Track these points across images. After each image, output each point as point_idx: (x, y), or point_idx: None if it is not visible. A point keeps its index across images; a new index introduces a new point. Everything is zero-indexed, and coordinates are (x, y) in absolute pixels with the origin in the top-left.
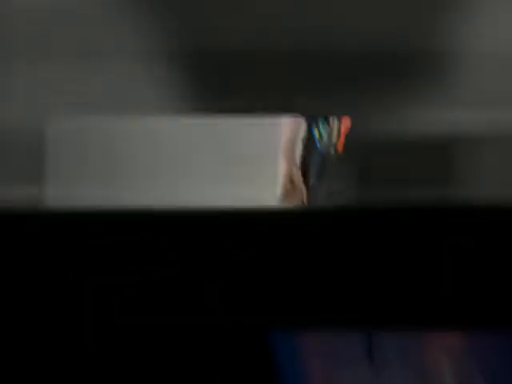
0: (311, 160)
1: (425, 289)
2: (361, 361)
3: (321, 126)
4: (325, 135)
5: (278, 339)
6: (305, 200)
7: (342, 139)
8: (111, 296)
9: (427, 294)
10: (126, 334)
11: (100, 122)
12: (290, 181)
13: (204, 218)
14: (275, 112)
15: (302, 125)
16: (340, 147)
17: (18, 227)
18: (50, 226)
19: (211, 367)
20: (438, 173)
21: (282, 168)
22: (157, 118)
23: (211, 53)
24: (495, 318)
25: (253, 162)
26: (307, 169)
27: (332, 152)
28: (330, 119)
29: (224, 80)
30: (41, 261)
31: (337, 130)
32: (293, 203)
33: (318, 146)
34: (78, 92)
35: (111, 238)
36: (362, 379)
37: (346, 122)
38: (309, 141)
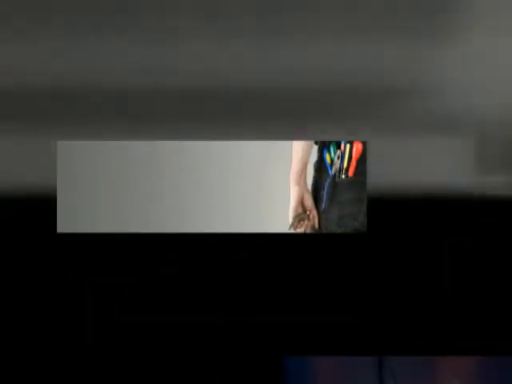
0: (322, 184)
1: (437, 314)
2: None
3: (332, 151)
4: (336, 160)
5: (291, 363)
6: (316, 224)
7: (354, 164)
8: (111, 296)
9: (440, 320)
10: (126, 334)
11: (107, 147)
12: (302, 205)
13: (215, 242)
14: (286, 137)
15: (313, 149)
16: (351, 172)
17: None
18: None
19: None
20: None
21: (292, 192)
22: (164, 143)
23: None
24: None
25: (264, 186)
26: (318, 193)
27: (343, 176)
28: (342, 144)
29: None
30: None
31: (348, 154)
32: (304, 227)
33: (330, 170)
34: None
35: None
36: None
37: (358, 147)
38: (320, 165)
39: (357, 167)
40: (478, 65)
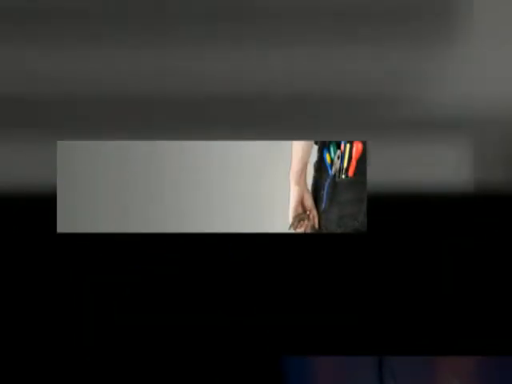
0: (322, 184)
1: (437, 314)
2: None
3: (332, 151)
4: (336, 160)
5: (290, 364)
6: (316, 224)
7: (354, 164)
8: (111, 296)
9: (440, 320)
10: (126, 334)
11: (107, 147)
12: (302, 205)
13: (215, 242)
14: (286, 137)
15: (313, 149)
16: (351, 172)
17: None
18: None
19: None
20: None
21: (292, 192)
22: (164, 143)
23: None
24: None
25: (264, 186)
26: (318, 193)
27: (343, 176)
28: (342, 144)
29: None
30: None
31: (348, 154)
32: (304, 227)
33: (330, 170)
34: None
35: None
36: None
37: (358, 147)
38: (320, 165)
39: (357, 167)
40: (477, 65)
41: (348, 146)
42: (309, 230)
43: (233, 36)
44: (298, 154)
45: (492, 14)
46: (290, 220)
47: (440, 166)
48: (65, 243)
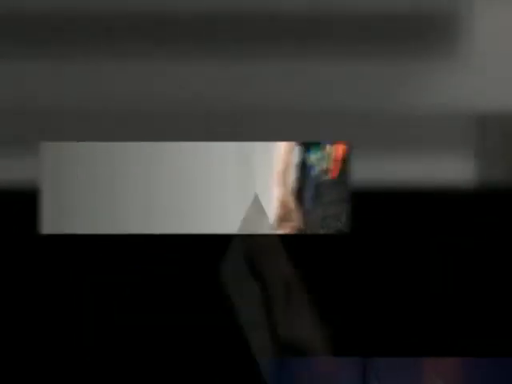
0: (305, 185)
1: (423, 314)
2: None
3: (315, 152)
4: (319, 161)
5: (275, 365)
6: (299, 225)
7: (337, 164)
8: (111, 296)
9: (426, 320)
10: (126, 334)
11: (97, 147)
12: (284, 206)
13: (215, 242)
14: (269, 138)
15: (295, 150)
16: (335, 172)
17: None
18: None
19: None
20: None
21: (275, 193)
22: (164, 144)
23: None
24: (494, 346)
25: (246, 188)
26: (301, 194)
27: (327, 177)
28: (325, 144)
29: None
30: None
31: (331, 155)
32: (287, 228)
33: (313, 171)
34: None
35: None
36: None
37: (341, 148)
38: (303, 166)
39: (340, 168)
40: (478, 65)
41: (331, 146)
42: (292, 231)
43: (232, 52)
44: (281, 155)
45: (493, 15)
46: (274, 221)
47: (440, 166)
48: (64, 243)
